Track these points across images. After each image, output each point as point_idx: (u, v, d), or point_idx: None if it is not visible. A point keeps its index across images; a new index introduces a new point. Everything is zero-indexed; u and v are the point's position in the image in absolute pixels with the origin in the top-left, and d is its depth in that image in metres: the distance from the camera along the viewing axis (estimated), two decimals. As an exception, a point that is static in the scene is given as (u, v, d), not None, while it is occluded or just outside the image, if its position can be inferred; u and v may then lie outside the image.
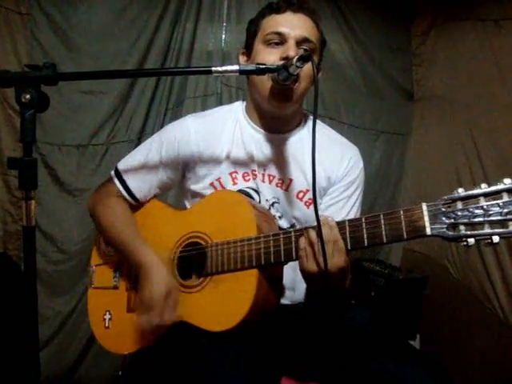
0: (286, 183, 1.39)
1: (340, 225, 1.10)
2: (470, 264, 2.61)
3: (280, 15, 1.33)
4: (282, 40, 1.29)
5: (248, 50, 1.40)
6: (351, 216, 1.38)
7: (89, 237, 2.49)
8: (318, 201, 1.38)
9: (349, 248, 1.09)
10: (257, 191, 1.39)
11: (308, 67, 1.22)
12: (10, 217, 2.45)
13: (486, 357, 2.48)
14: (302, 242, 1.12)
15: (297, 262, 1.34)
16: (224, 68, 1.10)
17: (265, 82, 1.28)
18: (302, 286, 1.41)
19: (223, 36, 2.71)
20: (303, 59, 1.09)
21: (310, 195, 1.38)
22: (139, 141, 2.62)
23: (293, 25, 1.30)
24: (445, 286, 2.77)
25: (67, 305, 2.54)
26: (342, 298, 1.27)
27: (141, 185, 1.43)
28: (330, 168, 1.39)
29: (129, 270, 1.42)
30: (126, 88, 2.58)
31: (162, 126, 2.64)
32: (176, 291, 1.26)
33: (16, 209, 2.45)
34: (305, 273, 1.13)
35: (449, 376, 1.12)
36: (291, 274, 1.37)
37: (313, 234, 1.10)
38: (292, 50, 1.25)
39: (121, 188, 1.43)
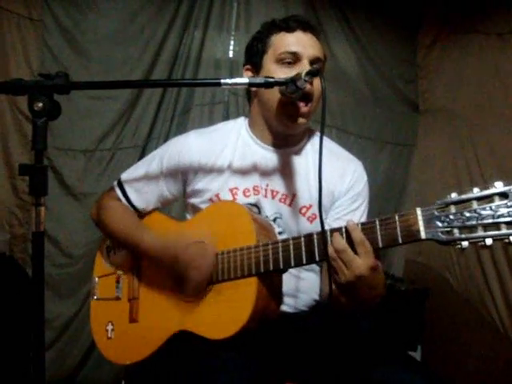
0: (289, 198, 1.39)
1: (336, 231, 1.11)
2: (470, 274, 2.62)
3: (290, 34, 1.33)
4: (295, 59, 1.30)
5: (255, 67, 1.40)
6: None
7: (94, 241, 2.50)
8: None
9: None
10: (257, 207, 1.39)
11: (318, 86, 1.25)
12: (17, 220, 2.48)
13: (486, 367, 2.48)
14: (332, 252, 1.08)
15: (298, 270, 1.37)
16: (233, 80, 1.11)
17: (275, 99, 1.30)
18: (304, 295, 1.42)
19: (231, 45, 2.74)
20: (312, 74, 1.11)
21: (313, 210, 1.38)
22: (145, 147, 2.66)
23: (305, 44, 1.31)
24: (445, 297, 2.78)
25: (71, 308, 2.56)
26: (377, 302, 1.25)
27: (141, 196, 1.45)
28: (333, 183, 1.39)
29: (131, 280, 1.43)
30: (134, 94, 2.61)
31: (168, 133, 2.68)
32: (195, 251, 1.27)
33: (23, 212, 2.48)
34: (338, 284, 1.10)
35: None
36: (294, 282, 1.38)
37: (331, 250, 1.08)
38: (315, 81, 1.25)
39: (122, 198, 1.46)
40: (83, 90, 1.19)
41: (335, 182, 1.39)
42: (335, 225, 1.36)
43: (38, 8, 2.45)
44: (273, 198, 1.39)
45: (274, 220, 1.39)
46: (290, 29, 1.33)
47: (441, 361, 2.72)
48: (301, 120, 1.32)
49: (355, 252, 1.06)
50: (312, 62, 1.30)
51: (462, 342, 2.66)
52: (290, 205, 1.39)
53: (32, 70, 2.44)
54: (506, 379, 2.36)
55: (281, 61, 1.31)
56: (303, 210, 1.39)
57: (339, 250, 1.06)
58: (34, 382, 1.01)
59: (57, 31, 2.48)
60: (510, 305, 2.39)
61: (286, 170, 1.40)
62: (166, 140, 2.61)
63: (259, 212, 1.39)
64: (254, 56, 1.40)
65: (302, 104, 1.29)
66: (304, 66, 1.27)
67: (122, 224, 1.41)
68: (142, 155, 2.60)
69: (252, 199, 1.38)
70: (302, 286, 1.41)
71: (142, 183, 1.45)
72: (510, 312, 2.39)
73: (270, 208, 1.39)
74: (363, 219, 1.41)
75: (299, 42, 1.31)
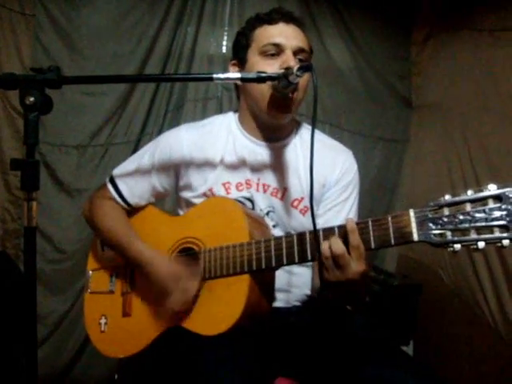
0: (281, 192, 1.39)
1: (329, 231, 1.11)
2: (462, 271, 2.64)
3: (273, 26, 1.34)
4: (278, 51, 1.30)
5: (240, 61, 1.40)
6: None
7: (87, 237, 2.50)
8: (314, 208, 1.39)
9: None
10: (251, 201, 1.39)
11: (305, 77, 1.25)
12: (9, 215, 2.47)
13: (476, 363, 2.50)
14: (326, 251, 1.08)
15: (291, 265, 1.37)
16: (225, 75, 1.11)
17: (265, 92, 1.29)
18: (296, 289, 1.43)
19: (224, 41, 2.73)
20: (303, 69, 1.10)
21: (305, 203, 1.39)
22: (138, 142, 2.65)
23: (288, 35, 1.32)
24: (438, 293, 2.79)
25: (64, 304, 2.56)
26: (360, 303, 1.27)
27: (133, 191, 1.45)
28: (323, 174, 1.39)
29: (125, 274, 1.44)
30: (127, 89, 2.60)
31: (161, 128, 2.67)
32: (182, 271, 1.27)
33: (15, 207, 2.47)
34: (325, 282, 1.10)
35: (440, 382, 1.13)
36: (286, 276, 1.39)
37: (325, 246, 1.07)
38: (291, 61, 1.26)
39: (114, 193, 1.45)
40: (75, 84, 1.18)
41: (325, 172, 1.40)
42: (326, 216, 1.39)
43: (30, 3, 2.43)
44: (264, 191, 1.39)
45: (267, 213, 1.40)
46: (272, 21, 1.34)
47: (433, 356, 2.74)
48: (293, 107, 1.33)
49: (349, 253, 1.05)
50: (295, 52, 1.30)
51: (453, 337, 2.68)
52: (281, 198, 1.39)
53: (24, 65, 2.42)
54: (496, 375, 2.38)
55: (264, 53, 1.32)
56: (295, 203, 1.40)
57: (337, 255, 1.05)
58: (27, 378, 1.01)
59: (49, 26, 2.46)
60: (500, 300, 2.40)
61: (276, 164, 1.40)
62: (159, 135, 2.60)
63: (253, 206, 1.39)
64: (239, 51, 1.41)
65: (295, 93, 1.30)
66: (287, 57, 1.28)
67: (113, 228, 1.41)
68: (135, 151, 2.58)
69: (245, 193, 1.39)
70: (295, 281, 1.42)
71: (134, 178, 1.45)
72: (501, 308, 2.40)
73: (262, 202, 1.40)
74: (354, 209, 1.43)
75: (281, 34, 1.32)
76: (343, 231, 1.07)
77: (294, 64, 1.24)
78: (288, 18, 1.35)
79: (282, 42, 1.30)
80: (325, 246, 1.07)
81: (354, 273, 1.05)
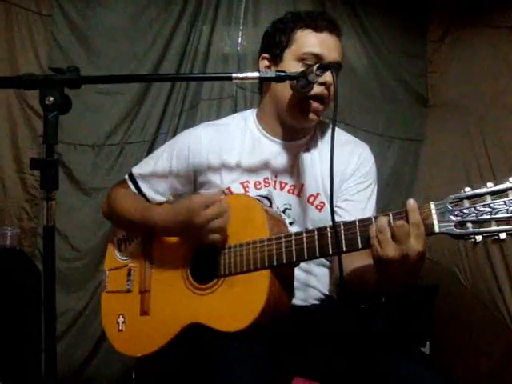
0: (297, 189, 1.39)
1: (350, 225, 1.10)
2: (480, 271, 2.61)
3: (318, 34, 1.31)
4: (316, 61, 1.27)
5: (273, 58, 1.38)
6: (368, 209, 1.38)
7: (102, 235, 2.53)
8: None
9: (359, 247, 1.08)
10: (269, 199, 1.39)
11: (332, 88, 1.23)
12: (26, 214, 2.50)
13: (494, 364, 2.48)
14: (372, 230, 1.05)
15: (309, 264, 1.38)
16: (244, 75, 1.11)
17: (286, 93, 1.29)
18: (314, 288, 1.42)
19: (239, 39, 2.74)
20: (323, 68, 1.10)
21: (320, 198, 1.39)
22: (154, 142, 2.67)
23: (330, 47, 1.30)
24: (454, 293, 2.77)
25: (79, 302, 2.57)
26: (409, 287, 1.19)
27: (153, 189, 1.46)
28: (340, 168, 1.38)
29: (142, 273, 1.43)
30: (142, 89, 2.62)
31: (176, 128, 2.68)
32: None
33: (31, 207, 2.50)
34: (381, 260, 1.04)
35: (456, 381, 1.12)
36: (304, 275, 1.39)
37: (382, 221, 1.04)
38: (329, 77, 1.23)
39: (134, 191, 1.47)
40: (94, 84, 1.19)
41: (341, 165, 1.39)
42: (342, 207, 1.39)
43: (47, 3, 2.46)
44: (281, 189, 1.40)
45: (284, 211, 1.40)
46: (317, 28, 1.31)
47: (449, 356, 2.71)
48: (312, 116, 1.33)
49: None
50: None
51: (470, 338, 2.65)
52: (298, 195, 1.40)
53: (41, 65, 2.45)
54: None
55: (302, 60, 1.30)
56: (311, 199, 1.39)
57: (398, 225, 1.00)
58: (46, 375, 1.01)
59: (66, 26, 2.50)
60: (519, 301, 2.38)
61: (294, 162, 1.40)
62: (174, 135, 2.60)
63: (270, 204, 1.39)
64: (274, 47, 1.37)
65: (316, 104, 1.30)
66: (328, 73, 1.21)
67: (133, 203, 1.42)
68: (150, 150, 2.61)
69: (263, 191, 1.39)
70: (313, 280, 1.42)
71: (153, 176, 1.45)
72: (519, 308, 2.38)
73: (279, 199, 1.39)
74: (372, 200, 1.42)
75: (324, 44, 1.30)
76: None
77: (330, 80, 1.24)
78: (332, 28, 1.32)
79: (322, 53, 1.28)
80: (384, 219, 1.04)
81: (412, 250, 1.00)
